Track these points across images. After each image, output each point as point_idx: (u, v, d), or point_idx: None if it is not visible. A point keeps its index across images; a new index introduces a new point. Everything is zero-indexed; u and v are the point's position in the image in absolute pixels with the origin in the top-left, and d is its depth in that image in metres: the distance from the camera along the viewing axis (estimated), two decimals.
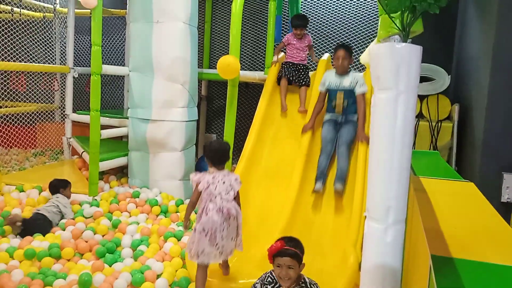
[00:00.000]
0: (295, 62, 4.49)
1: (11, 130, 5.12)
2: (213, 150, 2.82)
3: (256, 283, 2.36)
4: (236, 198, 2.83)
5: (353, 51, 4.34)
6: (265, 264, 2.89)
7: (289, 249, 2.17)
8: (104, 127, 4.50)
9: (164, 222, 3.82)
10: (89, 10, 4.16)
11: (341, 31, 5.78)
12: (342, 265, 2.79)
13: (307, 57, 4.59)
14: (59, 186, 3.94)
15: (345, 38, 5.75)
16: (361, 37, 5.74)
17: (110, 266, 3.03)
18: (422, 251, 1.65)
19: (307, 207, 3.60)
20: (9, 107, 5.18)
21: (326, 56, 4.69)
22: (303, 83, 4.41)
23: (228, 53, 3.93)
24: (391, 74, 1.16)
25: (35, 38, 5.69)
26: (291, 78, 4.43)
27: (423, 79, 4.61)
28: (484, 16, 4.00)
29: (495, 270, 1.28)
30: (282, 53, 4.73)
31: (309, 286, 2.24)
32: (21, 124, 5.22)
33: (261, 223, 3.57)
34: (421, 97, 4.72)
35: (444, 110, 4.64)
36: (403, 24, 1.25)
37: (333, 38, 5.82)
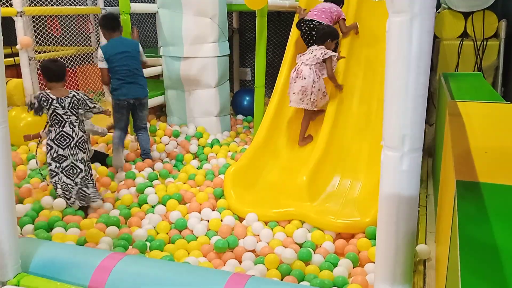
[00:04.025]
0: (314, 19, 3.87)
1: None
2: None
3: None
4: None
5: None
6: (298, 194, 2.98)
7: None
8: None
9: None
10: None
11: None
12: (376, 193, 2.80)
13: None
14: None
15: None
16: None
17: None
18: (451, 177, 1.63)
19: (343, 134, 3.59)
20: (48, 52, 5.31)
21: None
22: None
23: None
24: None
25: None
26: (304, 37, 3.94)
27: None
28: None
29: None
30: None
31: None
32: None
33: (293, 153, 3.62)
34: (466, 15, 4.39)
35: (490, 27, 4.31)
36: None
37: None
